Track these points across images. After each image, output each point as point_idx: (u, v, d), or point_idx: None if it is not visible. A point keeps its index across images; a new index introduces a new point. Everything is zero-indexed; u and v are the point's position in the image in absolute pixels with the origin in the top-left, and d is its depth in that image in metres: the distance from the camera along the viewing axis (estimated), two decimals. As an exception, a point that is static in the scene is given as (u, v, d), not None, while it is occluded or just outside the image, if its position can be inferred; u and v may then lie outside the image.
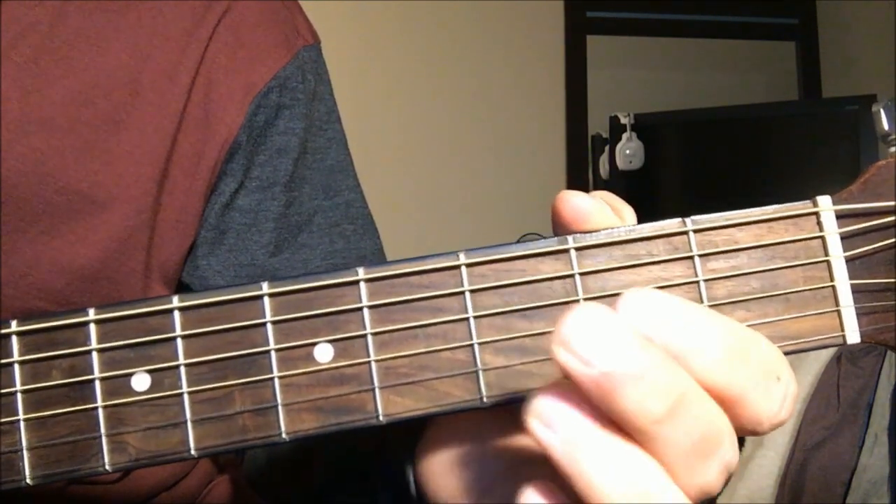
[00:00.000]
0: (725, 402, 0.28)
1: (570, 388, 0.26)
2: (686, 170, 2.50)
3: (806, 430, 1.43)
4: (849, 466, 1.36)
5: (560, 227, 0.35)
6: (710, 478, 0.28)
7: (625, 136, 2.36)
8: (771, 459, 1.44)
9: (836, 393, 1.44)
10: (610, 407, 0.26)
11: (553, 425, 0.26)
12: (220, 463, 0.69)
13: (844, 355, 1.47)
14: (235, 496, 0.68)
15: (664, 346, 0.27)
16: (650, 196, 2.42)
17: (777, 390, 0.29)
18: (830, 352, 1.49)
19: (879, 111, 0.32)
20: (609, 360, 0.25)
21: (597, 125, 2.49)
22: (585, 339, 0.25)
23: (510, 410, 0.30)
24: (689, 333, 0.27)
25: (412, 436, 0.43)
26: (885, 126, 0.32)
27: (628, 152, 2.36)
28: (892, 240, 0.33)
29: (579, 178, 2.50)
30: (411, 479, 0.42)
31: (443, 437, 0.41)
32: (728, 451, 0.28)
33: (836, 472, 1.36)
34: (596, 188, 2.49)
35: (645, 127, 2.37)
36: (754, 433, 0.30)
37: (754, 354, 0.29)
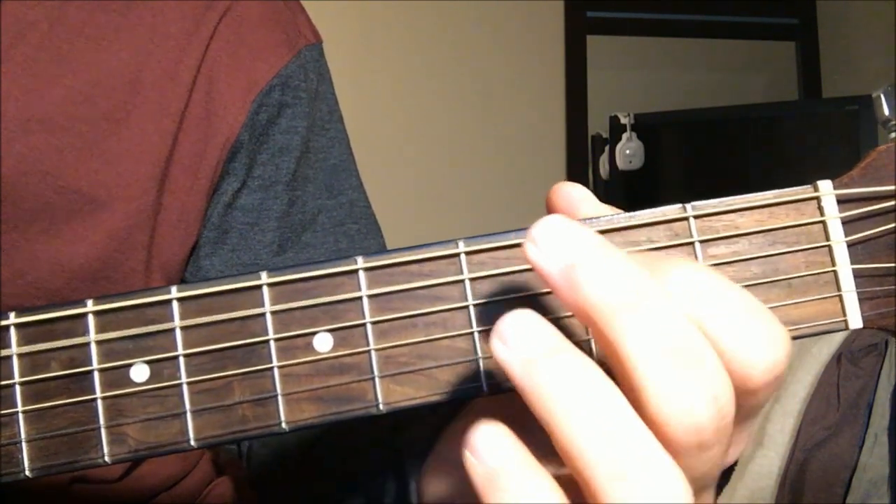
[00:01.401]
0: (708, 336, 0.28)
1: (534, 314, 0.27)
2: (686, 170, 2.50)
3: (806, 430, 1.43)
4: (849, 466, 1.36)
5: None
6: (693, 402, 0.27)
7: (625, 136, 2.36)
8: (771, 459, 1.44)
9: (836, 393, 1.43)
10: (572, 299, 0.27)
11: (511, 343, 0.27)
12: (220, 463, 0.69)
13: (844, 355, 1.46)
14: (235, 497, 0.68)
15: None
16: (650, 196, 2.42)
17: (765, 329, 0.29)
18: (830, 352, 1.49)
19: (880, 96, 0.32)
20: (571, 253, 0.27)
21: (597, 125, 2.49)
22: (552, 237, 0.28)
23: (520, 422, 0.30)
24: (672, 266, 0.29)
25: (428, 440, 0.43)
26: (886, 111, 0.32)
27: (628, 152, 2.36)
28: (894, 224, 0.33)
29: (579, 178, 2.50)
30: (412, 484, 0.42)
31: (452, 443, 0.40)
32: (715, 383, 0.27)
33: (836, 472, 1.36)
34: (596, 188, 2.49)
35: (645, 127, 2.37)
36: (754, 382, 0.29)
37: (735, 296, 0.29)
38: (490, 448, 0.27)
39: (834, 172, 0.34)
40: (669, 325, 0.27)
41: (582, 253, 0.27)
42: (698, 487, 0.30)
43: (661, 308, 0.27)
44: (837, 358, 1.47)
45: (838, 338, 1.49)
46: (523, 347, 0.27)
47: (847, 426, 1.39)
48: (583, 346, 0.29)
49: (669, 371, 0.27)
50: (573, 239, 0.27)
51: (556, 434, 0.26)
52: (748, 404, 0.31)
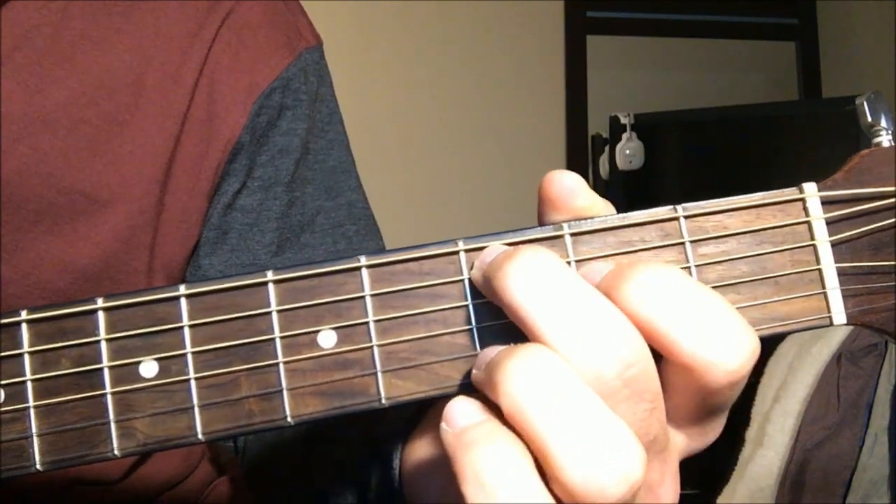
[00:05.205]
0: (656, 339, 0.30)
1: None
2: (686, 170, 2.50)
3: (806, 430, 1.43)
4: (849, 466, 1.36)
5: (545, 206, 0.35)
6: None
7: (625, 136, 2.36)
8: (771, 459, 1.44)
9: (836, 393, 1.44)
10: (493, 293, 0.31)
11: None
12: (220, 464, 0.70)
13: (844, 355, 1.47)
14: (236, 497, 0.68)
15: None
16: (650, 196, 2.42)
17: (728, 331, 0.30)
18: (830, 352, 1.49)
19: (863, 104, 0.33)
20: (491, 260, 0.32)
21: (597, 125, 2.49)
22: (484, 254, 0.33)
23: None
24: (636, 270, 0.31)
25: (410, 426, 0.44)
26: (869, 118, 0.33)
27: (628, 152, 2.36)
28: (876, 225, 0.34)
29: (580, 179, 2.50)
30: (396, 468, 0.43)
31: (430, 430, 0.41)
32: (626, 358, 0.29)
33: (836, 472, 1.37)
34: (596, 188, 2.48)
35: (645, 127, 2.37)
36: (716, 382, 0.30)
37: (682, 289, 0.30)
38: (460, 413, 0.30)
39: (833, 173, 0.36)
40: (568, 305, 0.30)
41: (497, 259, 0.32)
42: None
43: (557, 292, 0.30)
44: (837, 358, 1.47)
45: (838, 338, 1.49)
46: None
47: (847, 426, 1.39)
48: None
49: (578, 341, 0.29)
50: (494, 252, 0.32)
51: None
52: (712, 402, 0.32)
